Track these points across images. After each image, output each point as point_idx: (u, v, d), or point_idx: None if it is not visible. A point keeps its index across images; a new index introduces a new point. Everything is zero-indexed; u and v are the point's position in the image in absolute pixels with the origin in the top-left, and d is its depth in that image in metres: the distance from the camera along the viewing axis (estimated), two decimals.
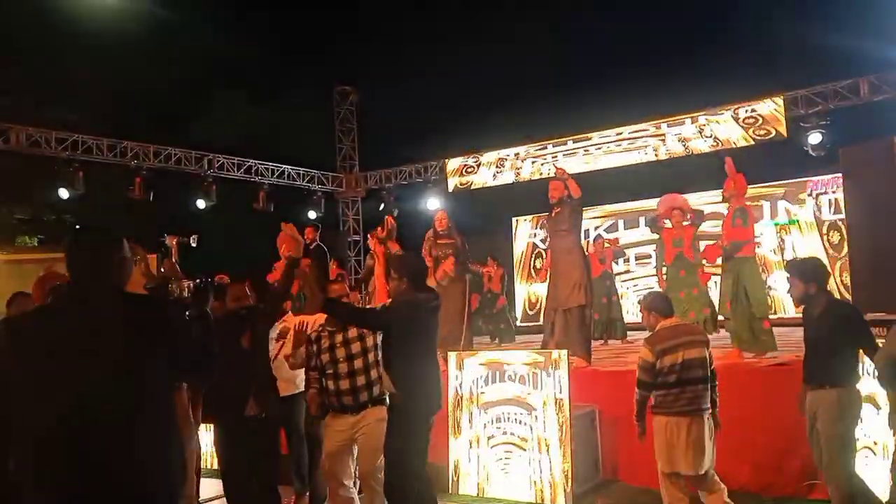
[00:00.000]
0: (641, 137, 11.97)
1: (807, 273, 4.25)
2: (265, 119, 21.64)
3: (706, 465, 4.32)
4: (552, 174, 12.49)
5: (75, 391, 2.20)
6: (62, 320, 2.29)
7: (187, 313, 2.92)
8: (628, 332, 9.61)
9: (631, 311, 11.35)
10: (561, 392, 5.46)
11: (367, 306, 4.41)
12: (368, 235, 6.02)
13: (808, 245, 11.44)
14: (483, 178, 13.54)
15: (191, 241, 7.21)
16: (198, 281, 3.27)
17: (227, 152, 13.93)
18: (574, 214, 6.87)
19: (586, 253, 7.33)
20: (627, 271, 12.75)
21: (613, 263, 10.03)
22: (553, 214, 6.99)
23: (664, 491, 4.44)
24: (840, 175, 10.37)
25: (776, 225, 11.80)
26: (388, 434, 4.03)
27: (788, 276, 4.39)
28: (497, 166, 13.41)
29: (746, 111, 10.97)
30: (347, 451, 4.36)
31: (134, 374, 2.26)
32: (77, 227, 2.75)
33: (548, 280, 7.12)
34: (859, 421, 4.18)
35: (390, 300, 4.20)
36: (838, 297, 11.08)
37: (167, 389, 2.36)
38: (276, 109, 21.78)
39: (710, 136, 11.27)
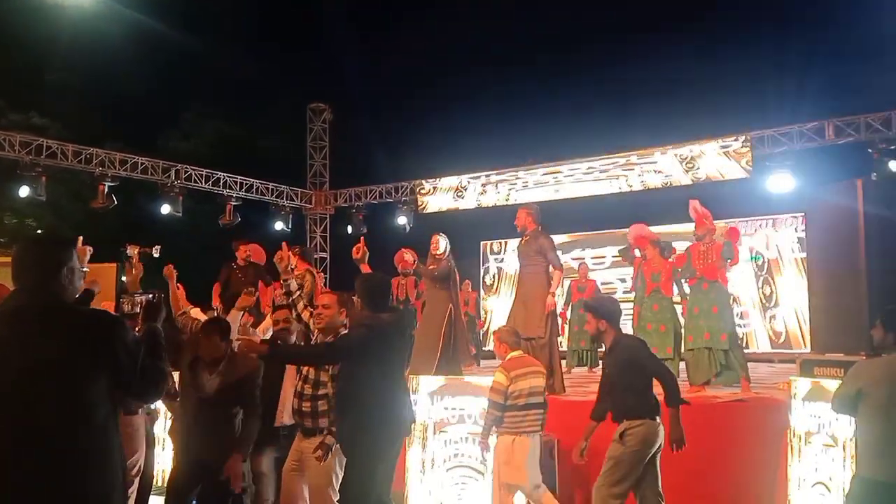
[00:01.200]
0: (612, 168, 12.12)
1: (600, 310, 4.53)
2: (236, 132, 21.53)
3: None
4: (521, 201, 12.66)
5: (9, 403, 2.12)
6: (1, 330, 2.21)
7: (136, 330, 2.84)
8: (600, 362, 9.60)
9: None
10: None
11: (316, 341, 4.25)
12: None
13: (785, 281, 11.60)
14: (453, 201, 13.57)
15: (153, 252, 7.07)
16: (150, 296, 3.19)
17: (196, 163, 13.77)
18: (542, 246, 6.84)
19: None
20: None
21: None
22: (522, 242, 7.02)
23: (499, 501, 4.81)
24: (801, 215, 10.62)
25: (753, 260, 11.97)
26: (350, 463, 3.82)
27: (586, 313, 4.73)
28: (468, 190, 13.46)
29: (714, 146, 11.15)
30: (301, 475, 4.23)
31: (70, 391, 2.18)
32: (31, 234, 2.67)
33: (511, 305, 7.12)
34: (648, 453, 4.37)
35: (348, 325, 4.09)
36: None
37: (108, 408, 2.27)
38: (248, 123, 21.70)
39: (682, 171, 11.43)
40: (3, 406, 2.12)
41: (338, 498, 4.00)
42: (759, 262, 11.89)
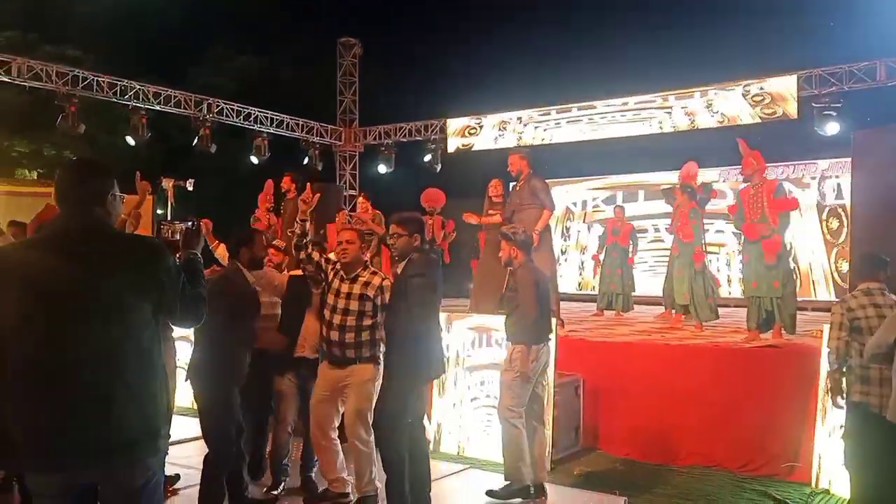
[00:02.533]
0: (647, 109, 11.82)
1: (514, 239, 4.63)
2: (266, 68, 21.36)
3: None
4: (555, 140, 12.46)
5: (57, 325, 2.17)
6: (48, 253, 2.24)
7: (177, 256, 2.88)
8: (635, 306, 9.59)
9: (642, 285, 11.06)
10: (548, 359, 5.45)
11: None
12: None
13: (805, 229, 11.39)
14: (484, 140, 13.40)
15: (187, 185, 7.15)
16: (189, 224, 3.23)
17: (228, 98, 13.74)
18: (535, 188, 6.81)
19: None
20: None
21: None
22: (517, 187, 6.96)
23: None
24: (847, 160, 10.26)
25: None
26: (384, 395, 4.01)
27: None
28: (499, 129, 13.27)
29: (757, 88, 10.79)
30: (332, 403, 4.36)
31: (119, 311, 2.23)
32: (71, 160, 2.71)
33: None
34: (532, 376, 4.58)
35: (404, 258, 4.09)
36: (832, 284, 11.12)
37: (153, 331, 2.32)
38: (277, 59, 21.50)
39: (718, 112, 11.11)
40: (53, 327, 2.18)
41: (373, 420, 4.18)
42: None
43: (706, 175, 11.65)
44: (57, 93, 11.28)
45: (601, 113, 12.09)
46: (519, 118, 13.01)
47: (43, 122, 15.92)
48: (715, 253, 11.35)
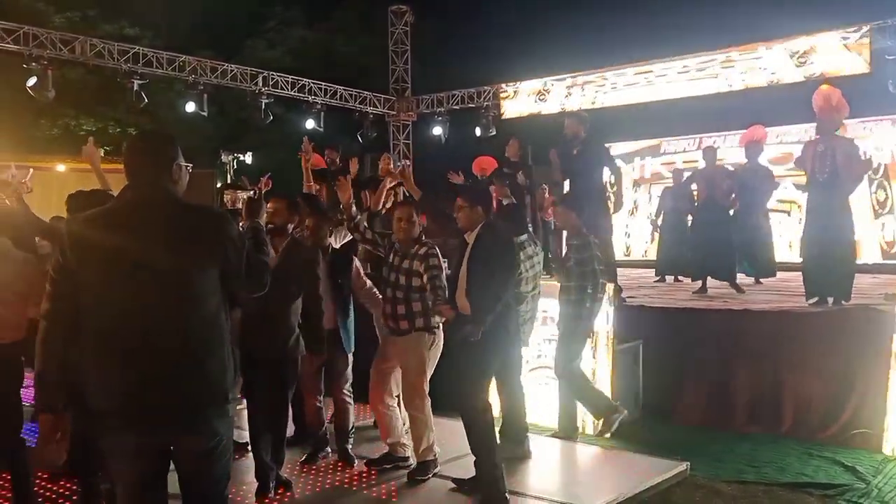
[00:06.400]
0: (709, 67, 11.38)
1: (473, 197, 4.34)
2: (319, 39, 21.44)
3: None
4: (608, 104, 12.17)
5: (128, 293, 2.25)
6: (118, 223, 2.31)
7: (241, 225, 2.94)
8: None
9: None
10: (606, 325, 5.41)
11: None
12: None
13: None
14: (540, 105, 13.19)
15: (245, 158, 7.30)
16: (252, 193, 3.30)
17: (282, 70, 13.87)
18: (595, 155, 6.69)
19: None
20: None
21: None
22: (574, 153, 6.81)
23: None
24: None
25: None
26: (466, 362, 4.01)
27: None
28: (554, 93, 13.03)
29: (825, 41, 10.24)
30: (389, 372, 4.48)
31: (187, 278, 2.30)
32: (138, 133, 2.78)
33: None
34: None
35: (471, 230, 4.11)
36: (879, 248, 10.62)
37: (219, 299, 2.37)
38: (330, 29, 21.54)
39: (783, 68, 10.62)
40: (124, 295, 2.25)
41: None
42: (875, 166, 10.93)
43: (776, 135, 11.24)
44: (119, 70, 11.60)
45: (659, 74, 11.73)
46: (574, 82, 12.75)
47: (107, 100, 16.46)
48: (785, 211, 10.99)
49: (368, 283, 4.77)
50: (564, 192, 6.85)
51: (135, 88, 11.47)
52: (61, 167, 11.59)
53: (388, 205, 5.55)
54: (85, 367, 2.28)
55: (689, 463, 4.60)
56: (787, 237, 10.72)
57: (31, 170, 4.45)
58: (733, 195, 7.65)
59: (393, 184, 5.05)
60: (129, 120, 17.84)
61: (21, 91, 11.24)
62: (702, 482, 4.45)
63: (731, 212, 7.78)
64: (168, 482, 2.39)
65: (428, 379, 4.35)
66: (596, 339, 5.38)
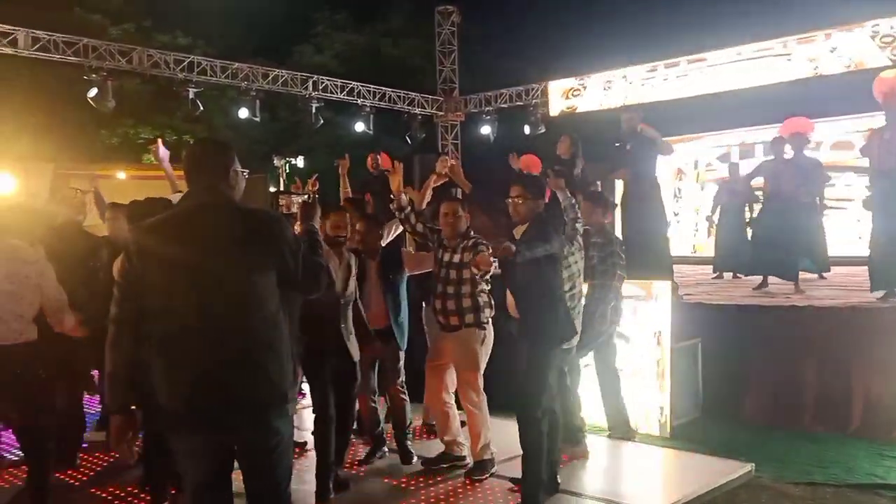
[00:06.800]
0: (764, 57, 11.04)
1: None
2: (366, 43, 21.66)
3: None
4: (664, 97, 11.92)
5: (191, 296, 2.30)
6: (179, 228, 2.38)
7: (296, 228, 2.99)
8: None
9: None
10: (661, 323, 5.30)
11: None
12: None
13: None
14: (588, 101, 13.01)
15: (297, 161, 7.40)
16: (306, 196, 3.34)
17: (330, 74, 14.04)
18: (647, 149, 6.60)
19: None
20: None
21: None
22: (628, 148, 6.70)
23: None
24: None
25: None
26: (525, 363, 3.90)
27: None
28: (604, 89, 12.84)
29: (888, 27, 9.83)
30: (443, 369, 4.47)
31: (246, 281, 2.34)
32: (197, 140, 2.84)
33: (620, 210, 6.86)
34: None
35: (526, 222, 3.94)
36: None
37: (278, 301, 2.42)
38: (378, 32, 21.72)
39: (843, 56, 10.23)
40: (187, 299, 2.31)
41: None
42: None
43: (832, 126, 10.86)
44: (175, 79, 11.91)
45: (712, 64, 11.43)
46: (624, 76, 12.54)
47: (163, 109, 16.97)
48: (843, 209, 10.58)
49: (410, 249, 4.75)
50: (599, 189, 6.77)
51: (190, 96, 11.75)
52: (121, 174, 11.96)
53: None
54: (151, 369, 2.34)
55: (753, 464, 4.48)
56: (846, 232, 10.32)
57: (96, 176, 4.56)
58: (804, 188, 7.34)
59: (438, 182, 5.03)
60: (184, 127, 18.35)
61: (82, 102, 11.63)
62: (768, 483, 4.33)
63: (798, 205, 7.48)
64: (233, 481, 2.44)
65: (481, 374, 4.34)
66: (658, 337, 5.28)
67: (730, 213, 9.02)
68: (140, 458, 3.77)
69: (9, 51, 10.56)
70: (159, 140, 4.54)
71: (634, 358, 5.35)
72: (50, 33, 10.76)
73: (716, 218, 9.39)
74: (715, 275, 9.08)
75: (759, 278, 7.40)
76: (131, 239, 2.42)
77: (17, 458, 4.23)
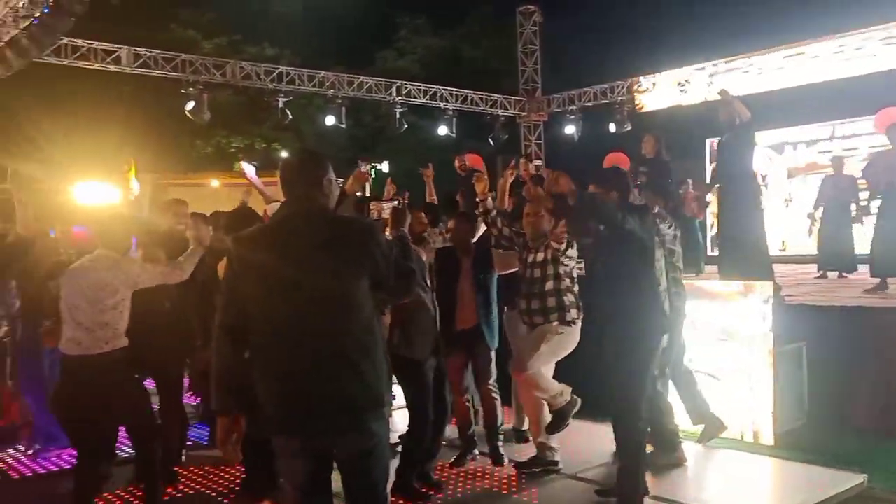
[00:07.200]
0: (867, 45, 10.42)
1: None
2: (447, 46, 21.78)
3: None
4: (757, 90, 11.43)
5: (290, 303, 2.35)
6: (277, 236, 2.44)
7: (386, 234, 3.02)
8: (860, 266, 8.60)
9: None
10: (764, 326, 5.06)
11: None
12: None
13: None
14: (674, 97, 12.64)
15: (382, 166, 7.51)
16: (395, 202, 3.38)
17: (412, 78, 14.19)
18: (742, 141, 6.32)
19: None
20: None
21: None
22: (723, 141, 6.46)
23: None
24: None
25: None
26: (617, 360, 3.80)
27: None
28: (692, 83, 12.44)
29: None
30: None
31: (342, 287, 2.37)
32: (292, 151, 2.92)
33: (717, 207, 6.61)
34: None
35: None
36: None
37: (371, 306, 2.45)
38: (457, 35, 21.81)
39: None
40: (286, 305, 2.36)
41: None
42: None
43: None
44: (265, 90, 12.34)
45: (811, 56, 10.88)
46: (714, 70, 12.11)
47: (253, 119, 17.58)
48: None
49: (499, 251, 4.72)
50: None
51: (280, 106, 12.14)
52: (215, 182, 12.48)
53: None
54: (253, 374, 2.41)
55: (866, 475, 4.21)
56: None
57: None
58: None
59: (511, 179, 4.96)
60: (273, 135, 18.93)
61: (178, 115, 12.19)
62: (882, 496, 4.08)
63: None
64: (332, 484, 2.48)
65: (553, 364, 4.31)
66: (761, 341, 5.05)
67: (834, 209, 8.52)
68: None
69: (113, 67, 11.22)
70: (242, 162, 4.70)
71: (736, 362, 5.13)
72: (150, 50, 11.36)
73: (818, 214, 8.90)
74: (818, 274, 8.61)
75: (862, 277, 6.93)
76: (231, 249, 2.50)
77: (126, 455, 4.45)
